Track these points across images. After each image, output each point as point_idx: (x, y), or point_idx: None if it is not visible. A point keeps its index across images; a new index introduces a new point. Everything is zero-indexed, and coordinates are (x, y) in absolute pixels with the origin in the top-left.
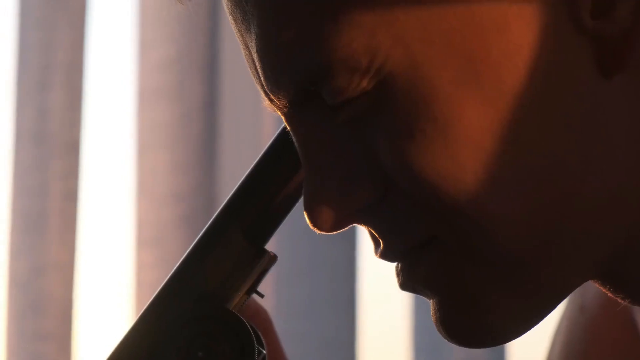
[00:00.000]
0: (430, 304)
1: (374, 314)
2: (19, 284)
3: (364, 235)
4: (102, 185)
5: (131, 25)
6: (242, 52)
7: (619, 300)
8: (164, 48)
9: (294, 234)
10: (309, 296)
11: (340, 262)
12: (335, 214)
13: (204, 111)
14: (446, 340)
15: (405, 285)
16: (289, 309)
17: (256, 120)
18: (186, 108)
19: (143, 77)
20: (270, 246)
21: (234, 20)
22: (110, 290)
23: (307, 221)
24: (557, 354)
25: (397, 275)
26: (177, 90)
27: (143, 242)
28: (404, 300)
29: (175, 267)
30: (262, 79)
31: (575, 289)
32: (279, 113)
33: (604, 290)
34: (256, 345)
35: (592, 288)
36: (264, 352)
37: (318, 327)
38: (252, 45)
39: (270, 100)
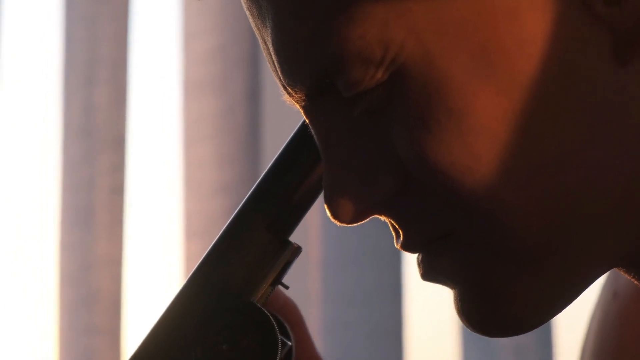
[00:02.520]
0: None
1: (421, 302)
2: (69, 279)
3: None
4: (149, 178)
5: (174, 18)
6: (260, 45)
7: None
8: (208, 40)
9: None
10: (355, 285)
11: (386, 250)
12: (355, 207)
13: (249, 102)
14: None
15: (426, 276)
16: (335, 298)
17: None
18: (231, 99)
19: (187, 70)
20: (316, 235)
21: (251, 14)
22: (159, 283)
23: (328, 214)
24: (592, 340)
25: (418, 266)
26: (222, 82)
27: (191, 234)
28: None
29: (199, 261)
30: (278, 72)
31: (597, 278)
32: (297, 106)
33: (629, 277)
34: (279, 338)
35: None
36: (290, 344)
37: (365, 315)
38: (268, 40)
39: (288, 93)
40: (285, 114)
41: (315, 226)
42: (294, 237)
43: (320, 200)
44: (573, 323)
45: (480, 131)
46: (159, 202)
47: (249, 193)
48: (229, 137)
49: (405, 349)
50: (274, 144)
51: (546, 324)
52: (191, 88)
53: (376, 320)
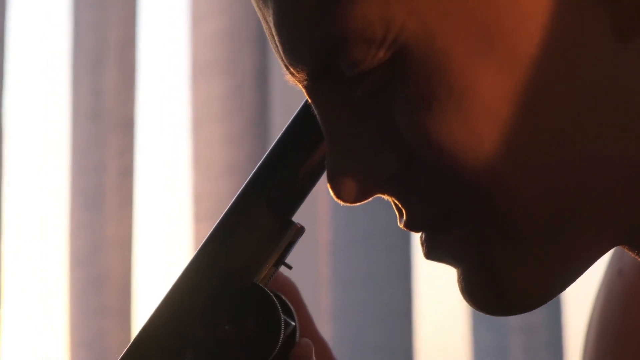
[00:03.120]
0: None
1: (431, 282)
2: (79, 261)
3: None
4: (158, 160)
5: (182, 0)
6: (263, 25)
7: None
8: (216, 21)
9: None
10: (364, 266)
11: (395, 230)
12: (358, 186)
13: (257, 83)
14: None
15: (429, 255)
16: (344, 279)
17: None
18: (239, 80)
19: (195, 51)
20: (325, 217)
21: None
22: (168, 265)
23: (331, 193)
24: (597, 318)
25: (422, 245)
26: (230, 63)
27: (200, 215)
28: None
29: (202, 242)
30: (280, 52)
31: (599, 257)
32: (300, 86)
33: (632, 255)
34: (283, 318)
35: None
36: (293, 324)
37: (374, 296)
38: (270, 20)
39: (291, 73)
40: (293, 94)
41: (324, 208)
42: (303, 219)
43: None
44: (582, 302)
45: (481, 110)
46: (168, 184)
47: (252, 174)
48: (237, 118)
49: (415, 330)
50: (283, 124)
51: (555, 303)
52: (199, 69)
53: (386, 301)
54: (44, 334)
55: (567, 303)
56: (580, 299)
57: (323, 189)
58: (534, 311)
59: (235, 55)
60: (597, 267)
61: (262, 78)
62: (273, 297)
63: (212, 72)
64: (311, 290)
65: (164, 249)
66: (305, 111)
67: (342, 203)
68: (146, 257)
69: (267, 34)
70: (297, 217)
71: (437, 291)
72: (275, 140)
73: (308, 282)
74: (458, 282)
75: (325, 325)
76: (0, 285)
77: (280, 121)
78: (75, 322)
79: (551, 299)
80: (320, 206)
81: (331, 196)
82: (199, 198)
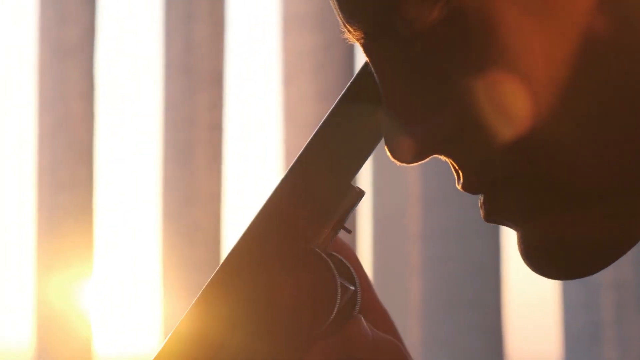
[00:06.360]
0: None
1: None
2: (170, 215)
3: None
4: (248, 115)
5: None
6: None
7: None
8: None
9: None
10: (454, 220)
11: None
12: (414, 146)
13: None
14: None
15: (488, 217)
16: (435, 233)
17: None
18: (330, 34)
19: (287, 4)
20: (417, 172)
21: None
22: None
23: (388, 153)
24: None
25: (481, 207)
26: (321, 17)
27: None
28: None
29: (261, 206)
30: (337, 9)
31: None
32: (358, 44)
33: None
34: (340, 283)
35: None
36: (352, 288)
37: (463, 250)
38: None
39: (348, 30)
40: None
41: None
42: (396, 173)
43: None
44: None
45: (537, 73)
46: (257, 138)
47: (311, 137)
48: (328, 73)
49: (503, 284)
50: None
51: None
52: (291, 23)
53: (475, 255)
54: (137, 288)
55: None
56: None
57: None
58: (625, 268)
59: (326, 9)
60: None
61: None
62: (330, 262)
63: (303, 26)
64: (401, 244)
65: (253, 203)
66: (365, 71)
67: (398, 163)
68: (236, 211)
69: None
70: (391, 171)
71: None
72: (335, 102)
73: (399, 237)
74: (517, 245)
75: (414, 280)
76: (92, 240)
77: None
78: (166, 275)
79: (614, 260)
80: None
81: None
82: (288, 153)
